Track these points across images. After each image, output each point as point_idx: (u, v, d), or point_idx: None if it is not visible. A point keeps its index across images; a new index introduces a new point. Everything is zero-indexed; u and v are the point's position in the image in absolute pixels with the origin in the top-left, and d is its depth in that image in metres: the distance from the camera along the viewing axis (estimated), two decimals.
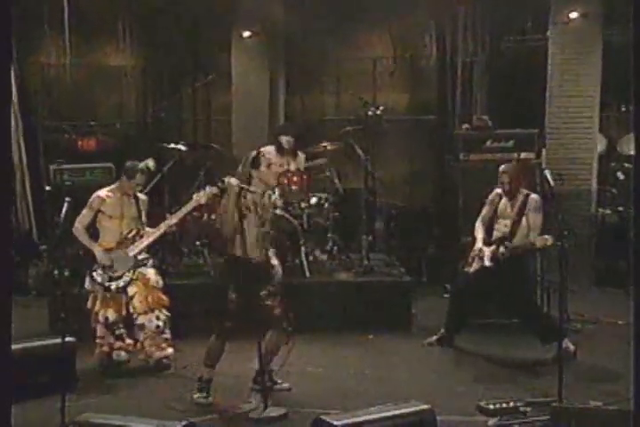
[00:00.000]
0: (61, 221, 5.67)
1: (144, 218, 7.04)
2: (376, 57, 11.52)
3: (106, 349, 6.87)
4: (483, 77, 10.88)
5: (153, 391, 6.38)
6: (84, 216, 6.89)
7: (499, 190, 7.31)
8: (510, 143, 8.48)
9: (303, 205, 8.42)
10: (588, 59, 9.88)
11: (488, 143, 8.55)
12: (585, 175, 9.99)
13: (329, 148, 8.89)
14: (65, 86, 11.10)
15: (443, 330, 7.52)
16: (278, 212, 8.27)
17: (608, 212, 10.07)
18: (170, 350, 6.86)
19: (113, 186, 7.06)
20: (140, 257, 6.87)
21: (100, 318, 6.83)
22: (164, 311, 6.85)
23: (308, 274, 8.14)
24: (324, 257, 8.50)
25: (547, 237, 6.63)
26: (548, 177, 6.06)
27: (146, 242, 6.89)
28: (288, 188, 8.36)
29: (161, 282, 6.96)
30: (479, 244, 7.24)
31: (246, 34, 10.86)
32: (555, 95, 10.01)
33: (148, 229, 6.99)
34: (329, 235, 8.50)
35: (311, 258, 8.31)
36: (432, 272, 9.63)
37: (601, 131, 10.26)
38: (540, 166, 7.74)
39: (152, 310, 6.78)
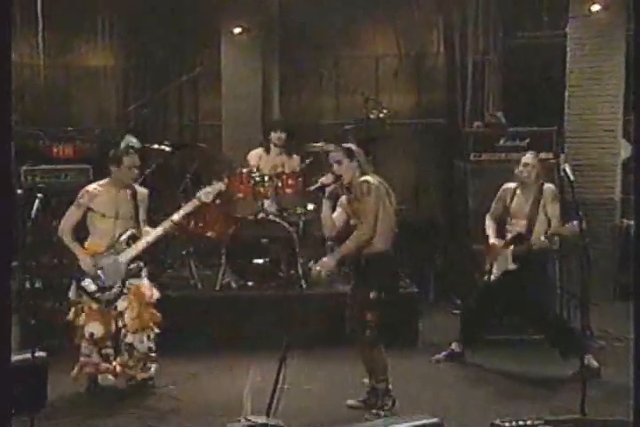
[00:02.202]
0: (32, 216, 5.58)
1: (143, 215, 6.72)
2: (379, 55, 11.52)
3: (90, 369, 6.61)
4: (495, 78, 10.84)
5: (133, 411, 6.29)
6: (71, 214, 6.59)
7: (510, 185, 7.30)
8: (525, 142, 8.47)
9: (299, 210, 8.39)
10: (610, 55, 9.83)
11: (501, 142, 8.56)
12: (608, 183, 9.94)
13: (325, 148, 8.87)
14: (39, 88, 11.02)
15: (454, 345, 7.51)
16: (271, 217, 8.28)
17: (633, 222, 9.99)
18: (153, 370, 6.73)
19: (105, 180, 6.69)
20: (131, 266, 6.58)
21: (86, 334, 6.53)
22: (155, 329, 6.69)
23: (304, 285, 8.10)
24: None
25: (575, 223, 6.41)
26: (568, 171, 6.03)
27: (140, 247, 6.57)
28: (282, 192, 8.34)
29: (156, 295, 6.72)
30: (492, 239, 7.25)
31: (237, 30, 10.89)
32: (574, 96, 9.97)
33: (147, 228, 6.71)
34: (328, 243, 8.45)
35: (308, 268, 8.24)
36: (439, 285, 9.58)
37: (625, 135, 10.22)
38: (559, 166, 7.70)
39: (143, 329, 6.57)
